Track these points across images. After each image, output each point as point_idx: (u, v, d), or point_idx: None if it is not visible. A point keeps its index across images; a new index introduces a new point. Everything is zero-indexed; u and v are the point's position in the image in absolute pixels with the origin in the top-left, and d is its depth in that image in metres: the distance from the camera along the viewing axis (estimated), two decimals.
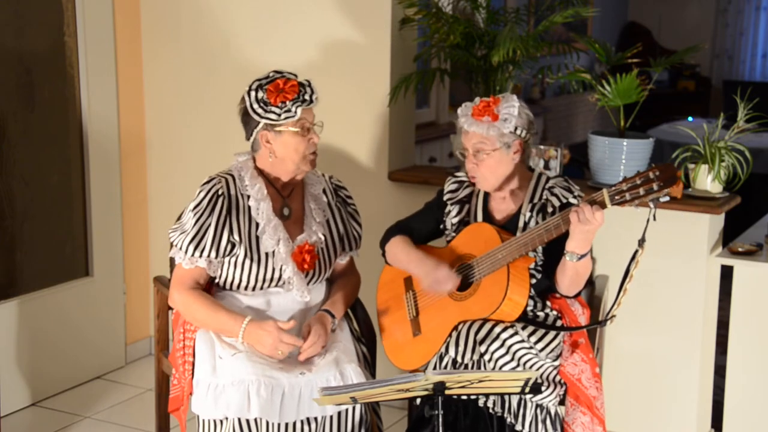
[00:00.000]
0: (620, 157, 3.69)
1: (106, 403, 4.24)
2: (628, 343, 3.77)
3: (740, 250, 3.65)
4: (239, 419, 2.78)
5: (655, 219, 2.70)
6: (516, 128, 2.95)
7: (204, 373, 2.85)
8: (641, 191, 2.63)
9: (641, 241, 2.73)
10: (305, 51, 4.17)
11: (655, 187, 2.61)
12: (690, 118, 7.72)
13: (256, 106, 2.93)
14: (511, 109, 2.94)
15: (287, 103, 2.91)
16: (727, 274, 3.66)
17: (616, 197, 2.67)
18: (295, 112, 2.91)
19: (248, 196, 2.98)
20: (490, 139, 2.93)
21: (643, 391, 3.82)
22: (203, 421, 2.85)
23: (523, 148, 3.00)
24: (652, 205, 2.65)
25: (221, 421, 2.81)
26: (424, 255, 3.05)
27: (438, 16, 3.87)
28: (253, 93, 2.95)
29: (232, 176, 3.02)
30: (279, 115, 2.91)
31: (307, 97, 2.93)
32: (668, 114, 8.40)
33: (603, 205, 2.70)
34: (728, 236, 3.87)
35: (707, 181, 3.63)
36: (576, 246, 2.78)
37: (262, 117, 2.93)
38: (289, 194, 3.06)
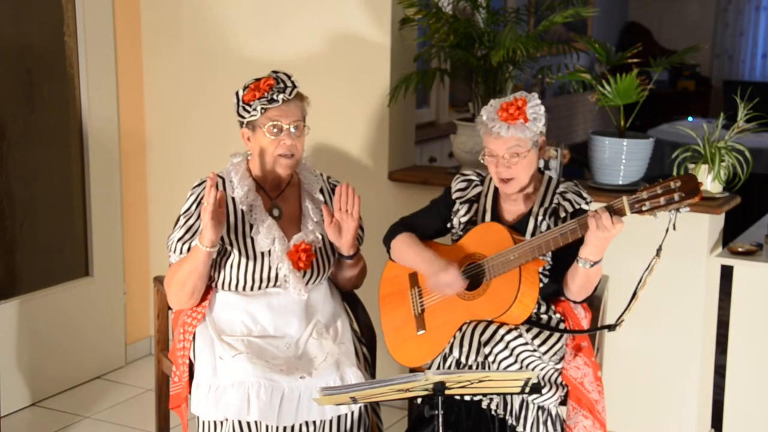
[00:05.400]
0: (620, 157, 3.70)
1: (106, 403, 4.24)
2: (628, 343, 3.77)
3: (740, 250, 3.66)
4: (239, 421, 2.79)
5: (675, 229, 2.67)
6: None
7: (204, 374, 2.85)
8: (662, 201, 2.60)
9: (658, 251, 2.72)
10: (305, 51, 4.17)
11: (676, 197, 2.59)
12: (690, 118, 7.73)
13: (236, 104, 2.97)
14: (538, 107, 2.92)
15: (254, 102, 2.92)
16: (727, 274, 3.66)
17: (636, 205, 2.65)
18: (258, 111, 2.91)
19: (238, 198, 2.98)
20: (525, 141, 2.91)
21: (643, 390, 3.82)
22: (203, 422, 2.86)
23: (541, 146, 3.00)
24: (673, 215, 2.63)
25: (221, 423, 2.82)
26: (434, 255, 3.01)
27: (438, 16, 3.87)
28: (240, 92, 2.98)
29: (223, 179, 3.02)
30: (249, 112, 2.94)
31: (276, 96, 2.91)
32: (668, 114, 8.41)
33: (622, 213, 2.68)
34: (728, 236, 3.87)
35: (707, 181, 3.63)
36: (590, 253, 2.77)
37: (239, 115, 2.97)
38: (279, 195, 3.05)
